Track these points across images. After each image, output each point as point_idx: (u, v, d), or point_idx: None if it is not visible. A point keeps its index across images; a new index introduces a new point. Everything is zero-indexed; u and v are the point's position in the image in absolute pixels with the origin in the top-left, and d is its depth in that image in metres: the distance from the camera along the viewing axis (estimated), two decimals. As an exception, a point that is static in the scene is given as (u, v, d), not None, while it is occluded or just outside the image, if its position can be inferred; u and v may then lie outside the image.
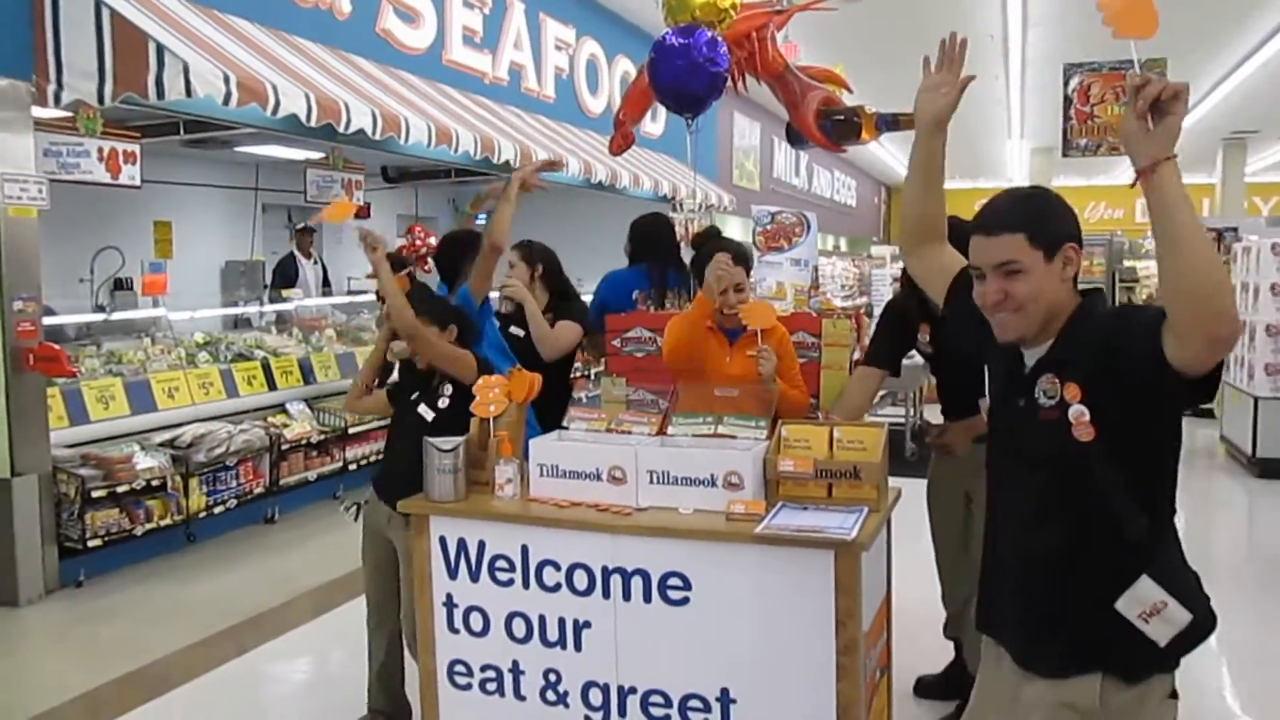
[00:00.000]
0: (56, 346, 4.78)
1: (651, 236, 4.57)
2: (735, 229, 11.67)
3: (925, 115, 2.16)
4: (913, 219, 2.26)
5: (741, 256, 3.41)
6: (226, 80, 4.62)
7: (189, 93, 4.44)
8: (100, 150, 5.57)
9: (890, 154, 20.42)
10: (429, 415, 3.33)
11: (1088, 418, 1.82)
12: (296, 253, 9.54)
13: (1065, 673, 1.88)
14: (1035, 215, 1.91)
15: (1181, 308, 1.65)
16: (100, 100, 4.57)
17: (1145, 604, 1.81)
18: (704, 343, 3.34)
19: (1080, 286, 1.97)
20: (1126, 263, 16.66)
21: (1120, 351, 1.78)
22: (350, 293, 9.47)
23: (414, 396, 3.39)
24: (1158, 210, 1.66)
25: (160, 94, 4.46)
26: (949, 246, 2.24)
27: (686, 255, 4.33)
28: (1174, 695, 1.91)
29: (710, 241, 3.76)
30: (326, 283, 9.64)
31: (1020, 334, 1.94)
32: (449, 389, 3.34)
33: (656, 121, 10.65)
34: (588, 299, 4.54)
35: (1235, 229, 10.28)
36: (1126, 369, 1.77)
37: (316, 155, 7.94)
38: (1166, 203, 1.65)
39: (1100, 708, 1.84)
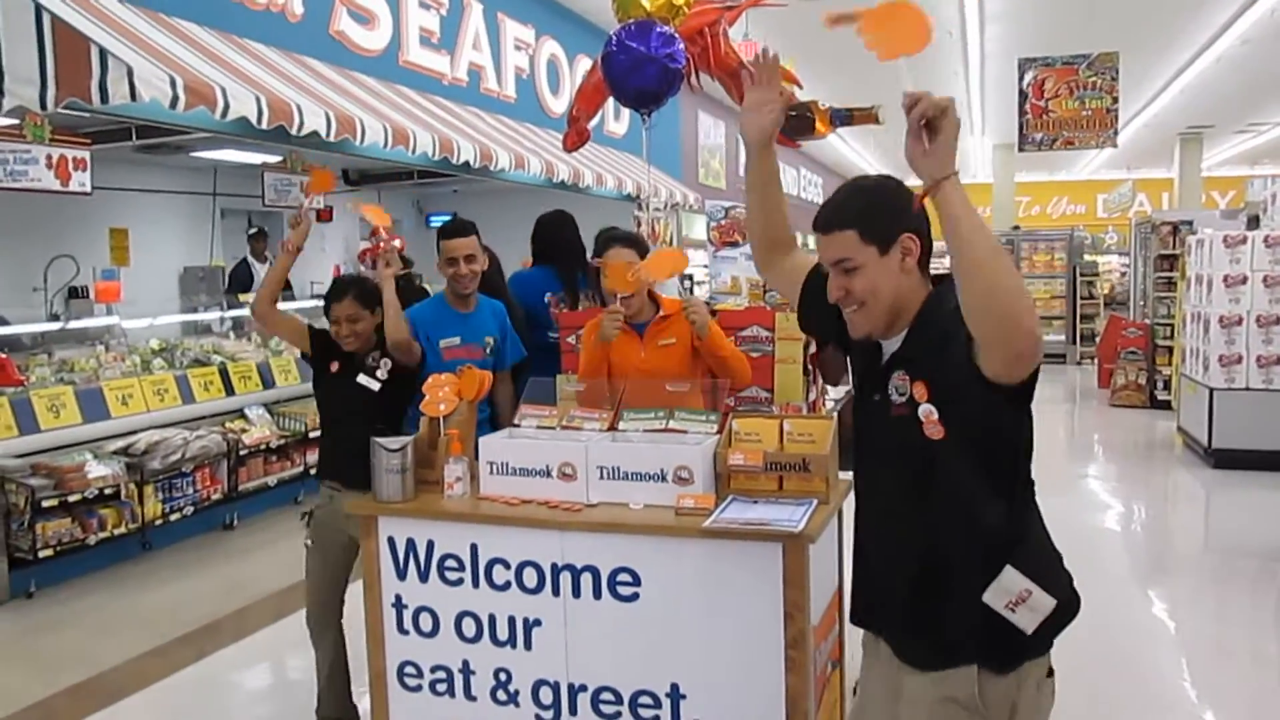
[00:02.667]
0: (3, 355, 4.71)
1: (556, 236, 4.48)
2: (701, 227, 11.67)
3: (750, 135, 2.15)
4: (758, 234, 2.29)
5: (635, 239, 3.50)
6: (173, 84, 4.55)
7: (134, 97, 4.36)
8: (49, 157, 5.47)
9: (853, 150, 20.57)
10: (374, 385, 3.41)
11: (936, 416, 1.82)
12: (250, 257, 9.46)
13: (941, 666, 1.86)
14: (865, 210, 1.88)
15: (978, 325, 1.65)
16: (43, 106, 4.48)
17: (1011, 594, 1.79)
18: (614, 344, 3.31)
19: (935, 273, 1.95)
20: (1087, 257, 16.90)
21: (952, 353, 1.77)
22: (314, 296, 9.38)
23: (355, 376, 3.43)
24: (946, 227, 1.64)
25: (104, 98, 4.38)
26: (797, 251, 2.28)
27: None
28: (1050, 674, 1.90)
29: (601, 241, 3.70)
30: (287, 285, 9.52)
31: (868, 330, 1.93)
32: (387, 362, 3.43)
33: (620, 120, 10.64)
34: None
35: (1190, 222, 10.40)
36: (957, 372, 1.76)
37: (274, 159, 7.87)
38: (953, 219, 1.62)
39: (979, 698, 1.82)
